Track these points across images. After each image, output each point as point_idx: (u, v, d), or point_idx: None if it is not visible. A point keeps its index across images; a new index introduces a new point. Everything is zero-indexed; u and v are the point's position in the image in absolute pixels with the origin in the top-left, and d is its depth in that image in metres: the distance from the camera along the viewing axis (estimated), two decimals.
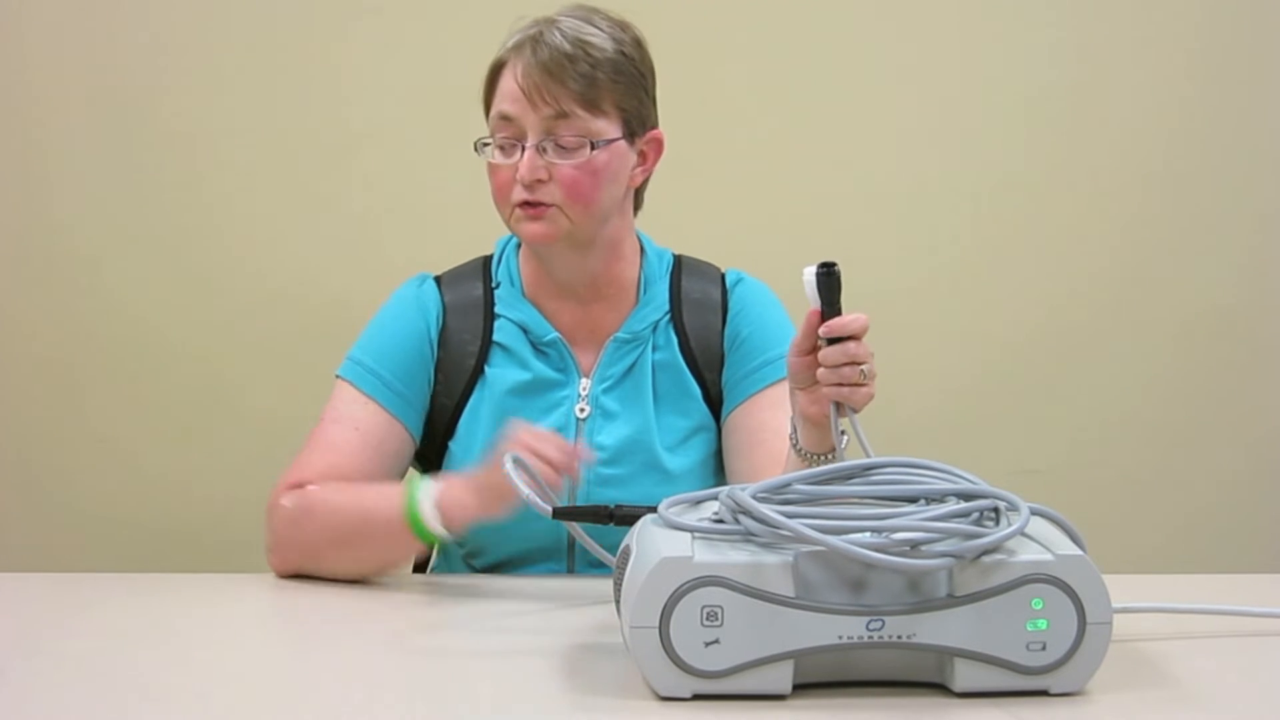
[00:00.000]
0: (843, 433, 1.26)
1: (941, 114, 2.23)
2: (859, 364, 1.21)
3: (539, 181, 1.39)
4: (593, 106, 1.40)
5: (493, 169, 1.42)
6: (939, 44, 2.22)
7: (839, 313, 1.22)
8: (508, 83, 1.40)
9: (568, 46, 1.39)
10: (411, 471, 1.50)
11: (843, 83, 2.22)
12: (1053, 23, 2.23)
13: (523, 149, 1.39)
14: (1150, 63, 2.24)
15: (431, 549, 1.35)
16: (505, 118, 1.40)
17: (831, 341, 1.21)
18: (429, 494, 1.30)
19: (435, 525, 1.29)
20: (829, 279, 1.21)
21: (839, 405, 1.23)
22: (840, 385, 1.22)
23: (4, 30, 2.16)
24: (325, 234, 2.18)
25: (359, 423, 1.44)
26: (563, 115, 1.38)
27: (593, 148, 1.40)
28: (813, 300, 1.22)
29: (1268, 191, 2.28)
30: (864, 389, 1.22)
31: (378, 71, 2.17)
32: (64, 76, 2.16)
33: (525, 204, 1.40)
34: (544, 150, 1.39)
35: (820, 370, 1.22)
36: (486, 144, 1.43)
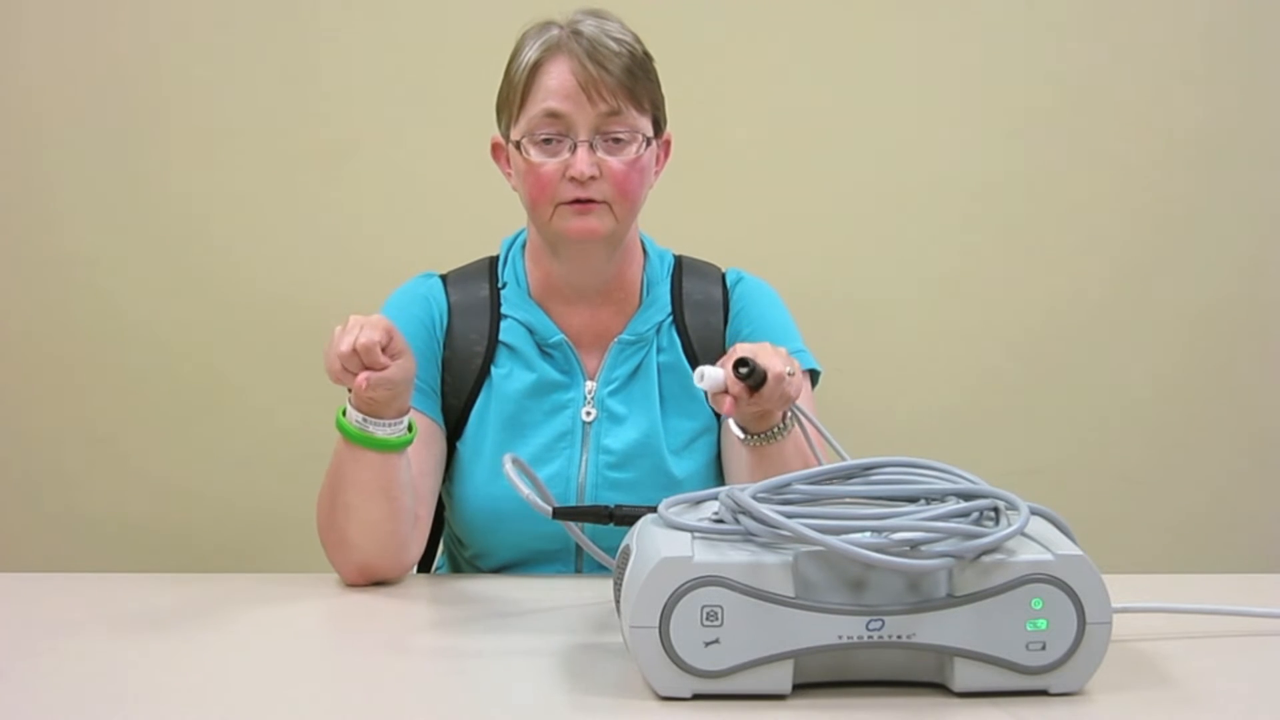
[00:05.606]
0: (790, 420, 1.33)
1: (942, 114, 2.23)
2: (788, 383, 1.24)
3: (591, 178, 1.39)
4: (638, 104, 1.41)
5: (534, 167, 1.40)
6: (940, 44, 2.22)
7: (759, 376, 1.23)
8: (554, 80, 1.39)
9: (613, 44, 1.39)
10: None
11: (844, 82, 2.22)
12: (1054, 22, 2.22)
13: (572, 146, 1.39)
14: (1152, 61, 2.24)
15: (389, 451, 1.32)
16: (554, 114, 1.39)
17: (756, 387, 1.23)
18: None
19: (350, 413, 1.31)
20: (751, 376, 1.22)
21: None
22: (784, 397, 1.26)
23: (3, 31, 2.16)
24: (325, 235, 2.18)
25: None
26: (615, 112, 1.39)
27: (647, 144, 1.42)
28: (723, 387, 1.24)
29: (1268, 193, 2.27)
30: (796, 380, 1.27)
31: (376, 74, 2.17)
32: (63, 79, 2.16)
33: (575, 201, 1.40)
34: (594, 147, 1.39)
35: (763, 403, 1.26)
36: (518, 142, 1.41)
